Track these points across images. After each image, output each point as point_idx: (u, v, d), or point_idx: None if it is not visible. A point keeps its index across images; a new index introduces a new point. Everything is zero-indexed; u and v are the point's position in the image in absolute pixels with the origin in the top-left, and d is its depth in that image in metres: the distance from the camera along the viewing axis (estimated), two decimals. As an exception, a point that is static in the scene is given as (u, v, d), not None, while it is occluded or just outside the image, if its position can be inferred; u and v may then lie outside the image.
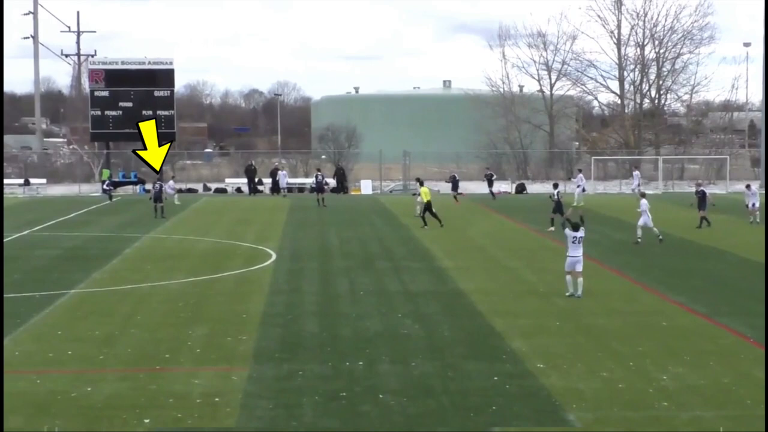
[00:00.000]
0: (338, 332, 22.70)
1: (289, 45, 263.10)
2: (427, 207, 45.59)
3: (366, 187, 76.55)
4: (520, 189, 76.24)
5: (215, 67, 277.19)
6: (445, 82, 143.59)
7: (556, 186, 46.67)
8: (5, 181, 79.09)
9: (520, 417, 16.20)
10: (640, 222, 39.06)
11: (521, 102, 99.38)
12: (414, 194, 55.14)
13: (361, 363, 19.70)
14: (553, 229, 43.00)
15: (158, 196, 51.50)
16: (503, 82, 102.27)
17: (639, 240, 38.73)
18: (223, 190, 76.33)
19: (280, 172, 73.34)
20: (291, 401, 17.02)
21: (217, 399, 17.12)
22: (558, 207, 43.76)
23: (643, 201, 39.51)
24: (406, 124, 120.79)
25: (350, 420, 16.00)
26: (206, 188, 77.76)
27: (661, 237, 38.85)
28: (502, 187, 76.38)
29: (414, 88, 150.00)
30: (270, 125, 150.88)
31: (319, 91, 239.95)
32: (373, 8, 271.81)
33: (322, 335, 22.39)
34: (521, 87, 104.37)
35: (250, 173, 74.40)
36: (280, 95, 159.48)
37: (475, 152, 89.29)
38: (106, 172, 73.30)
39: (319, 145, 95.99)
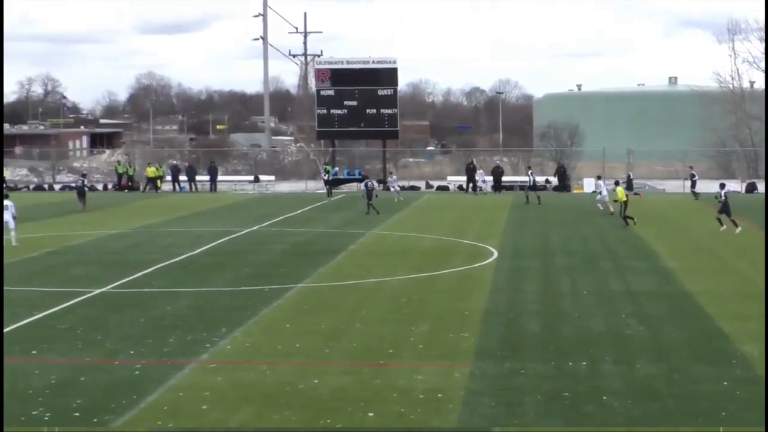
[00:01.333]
0: (560, 331, 22.52)
1: (512, 43, 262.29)
2: (624, 207, 45.57)
3: (588, 185, 75.65)
4: (751, 188, 73.80)
5: (438, 66, 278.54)
6: (670, 78, 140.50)
7: (722, 186, 44.81)
8: (237, 177, 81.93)
9: (752, 424, 15.67)
10: None
11: (752, 98, 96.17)
12: (595, 192, 55.02)
13: (584, 363, 19.48)
14: (725, 227, 41.63)
15: (369, 194, 52.55)
16: (732, 78, 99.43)
17: None
18: (445, 188, 76.72)
19: (478, 171, 72.81)
20: (513, 399, 16.97)
21: (439, 395, 17.21)
22: (725, 207, 42.29)
23: None
24: (630, 122, 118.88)
25: (573, 420, 15.83)
26: (428, 186, 78.33)
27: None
28: (732, 186, 74.21)
29: (638, 85, 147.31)
30: (491, 123, 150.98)
31: (540, 89, 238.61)
32: (596, 4, 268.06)
33: (544, 334, 22.26)
34: (752, 83, 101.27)
35: (470, 171, 74.50)
36: (502, 93, 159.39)
37: (702, 150, 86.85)
38: (328, 168, 74.93)
39: (540, 142, 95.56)
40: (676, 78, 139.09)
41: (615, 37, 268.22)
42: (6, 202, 38.03)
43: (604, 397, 17.09)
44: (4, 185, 61.25)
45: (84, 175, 67.84)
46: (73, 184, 61.81)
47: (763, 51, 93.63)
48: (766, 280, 26.91)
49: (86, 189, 61.04)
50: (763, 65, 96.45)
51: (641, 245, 38.31)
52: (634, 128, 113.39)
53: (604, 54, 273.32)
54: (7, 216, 37.73)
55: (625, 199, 45.82)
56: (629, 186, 62.53)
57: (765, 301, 24.40)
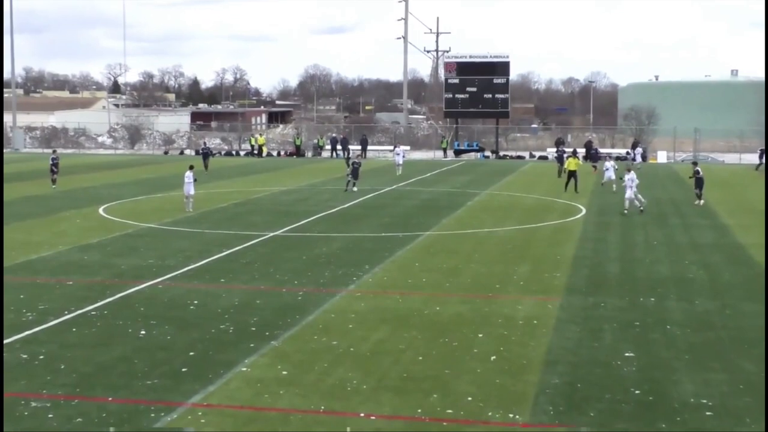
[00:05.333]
0: (634, 274, 22.16)
1: (605, 38, 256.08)
2: (572, 175, 43.25)
3: (661, 157, 74.00)
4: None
5: (541, 59, 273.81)
6: (732, 71, 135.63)
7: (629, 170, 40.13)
8: (381, 147, 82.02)
9: (788, 352, 15.22)
10: (627, 195, 34.21)
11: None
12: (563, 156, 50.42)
13: (652, 299, 19.16)
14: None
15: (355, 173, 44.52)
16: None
17: (626, 211, 33.81)
18: (544, 157, 75.74)
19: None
20: (594, 327, 16.79)
21: (535, 321, 17.13)
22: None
23: (627, 175, 34.57)
24: (698, 106, 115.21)
25: (642, 345, 15.60)
26: (531, 155, 77.52)
27: (642, 208, 34.07)
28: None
29: (705, 76, 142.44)
30: (584, 106, 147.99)
31: (625, 79, 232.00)
32: (676, 5, 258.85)
33: (621, 275, 21.93)
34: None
35: (559, 144, 73.38)
36: (593, 82, 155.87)
37: (756, 129, 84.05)
38: (445, 141, 74.97)
39: (623, 122, 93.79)
40: (737, 70, 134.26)
41: (691, 33, 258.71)
42: (189, 173, 34.26)
43: (668, 327, 16.80)
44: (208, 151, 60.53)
45: (204, 142, 69.72)
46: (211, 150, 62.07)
47: None
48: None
49: (211, 154, 61.15)
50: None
51: (704, 206, 37.26)
52: (701, 111, 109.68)
53: (680, 48, 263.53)
54: (188, 186, 34.11)
55: (574, 168, 43.58)
56: (593, 158, 58.93)
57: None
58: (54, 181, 43.73)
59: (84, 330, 16.35)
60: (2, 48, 46.29)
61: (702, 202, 37.46)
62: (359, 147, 72.15)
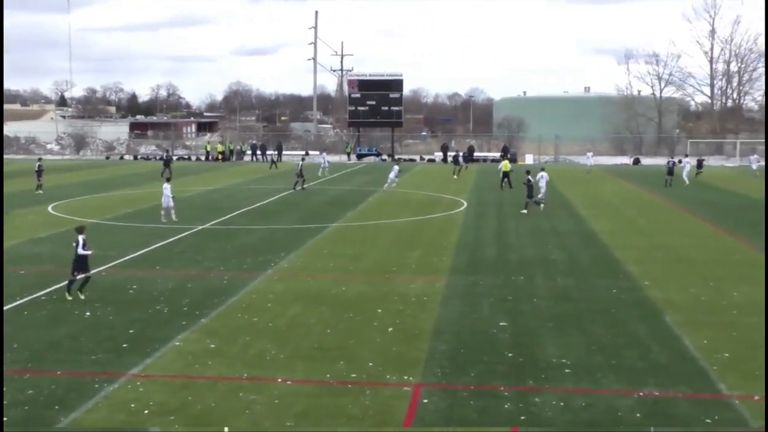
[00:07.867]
0: (507, 256, 22.49)
1: (483, 60, 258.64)
2: (506, 175, 43.42)
3: (528, 158, 75.29)
4: (636, 162, 73.32)
5: (429, 77, 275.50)
6: (585, 88, 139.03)
7: (528, 173, 34.40)
8: (294, 152, 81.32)
9: (631, 317, 15.69)
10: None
11: (639, 102, 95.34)
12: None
13: (522, 277, 19.48)
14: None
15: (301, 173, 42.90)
16: (627, 88, 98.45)
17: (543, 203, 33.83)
18: (432, 160, 76.26)
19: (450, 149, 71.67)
20: (474, 301, 16.99)
21: (425, 298, 17.24)
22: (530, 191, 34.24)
23: (542, 174, 35.00)
24: (558, 117, 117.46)
25: (514, 315, 15.85)
26: (421, 159, 77.92)
27: (542, 204, 33.55)
28: (623, 160, 73.73)
29: (564, 92, 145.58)
30: (465, 116, 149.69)
31: (499, 94, 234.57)
32: (548, 37, 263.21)
33: (496, 258, 22.23)
34: (639, 91, 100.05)
35: (444, 149, 74.07)
36: (473, 96, 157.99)
37: (604, 136, 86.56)
38: (348, 146, 75.09)
39: (497, 130, 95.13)
40: (589, 88, 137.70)
41: (554, 57, 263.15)
42: (166, 185, 29.76)
43: (535, 300, 17.11)
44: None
45: (167, 150, 67.20)
46: (163, 156, 58.55)
47: (655, 71, 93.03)
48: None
49: (171, 159, 54.46)
50: (647, 79, 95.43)
51: (563, 199, 38.06)
52: (560, 121, 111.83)
53: (544, 70, 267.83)
54: (166, 199, 29.30)
55: (507, 170, 43.51)
56: (462, 159, 57.04)
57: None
58: (39, 187, 41.01)
59: (35, 313, 15.80)
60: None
61: (542, 206, 33.22)
62: (275, 152, 70.96)
